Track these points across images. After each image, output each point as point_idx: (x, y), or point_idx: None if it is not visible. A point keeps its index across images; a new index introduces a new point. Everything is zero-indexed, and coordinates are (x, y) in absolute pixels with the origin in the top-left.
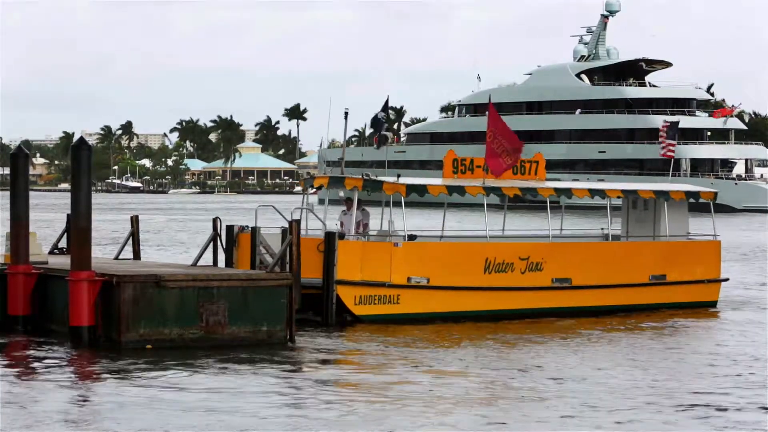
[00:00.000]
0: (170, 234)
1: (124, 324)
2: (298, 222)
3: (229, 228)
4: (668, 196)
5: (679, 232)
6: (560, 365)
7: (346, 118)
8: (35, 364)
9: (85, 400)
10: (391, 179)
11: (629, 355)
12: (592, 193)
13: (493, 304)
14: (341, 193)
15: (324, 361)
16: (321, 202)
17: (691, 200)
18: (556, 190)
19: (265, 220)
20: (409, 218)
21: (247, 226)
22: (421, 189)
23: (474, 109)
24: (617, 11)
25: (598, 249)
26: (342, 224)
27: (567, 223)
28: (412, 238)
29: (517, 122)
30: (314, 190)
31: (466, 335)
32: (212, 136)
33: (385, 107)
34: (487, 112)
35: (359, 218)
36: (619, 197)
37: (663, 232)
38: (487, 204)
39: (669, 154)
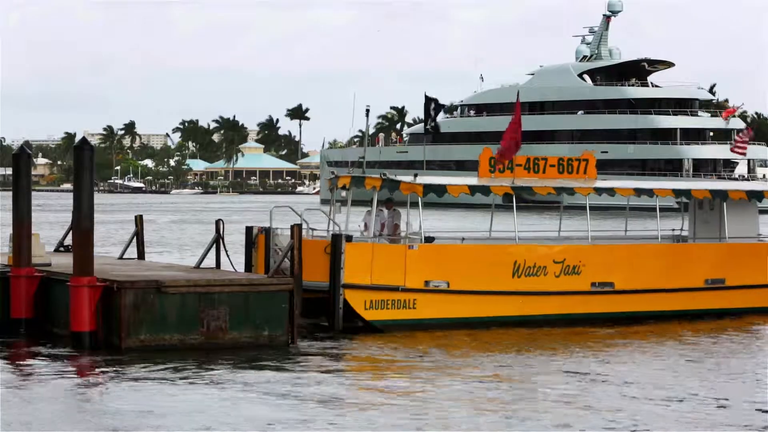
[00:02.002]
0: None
1: (125, 329)
2: (300, 226)
3: (248, 229)
4: (726, 195)
5: (747, 233)
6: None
7: (367, 115)
8: (36, 368)
9: (85, 404)
10: (408, 178)
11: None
12: (638, 192)
13: (522, 310)
14: (343, 193)
15: (326, 365)
16: (324, 202)
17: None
18: (597, 189)
19: (274, 222)
20: (443, 221)
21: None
22: (440, 189)
23: (476, 109)
24: (619, 11)
25: (644, 251)
26: (365, 225)
27: (609, 225)
28: (429, 240)
29: None
30: (316, 189)
31: (478, 340)
32: (215, 137)
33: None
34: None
35: (384, 219)
36: (668, 197)
37: (726, 233)
38: (509, 205)
39: (741, 151)
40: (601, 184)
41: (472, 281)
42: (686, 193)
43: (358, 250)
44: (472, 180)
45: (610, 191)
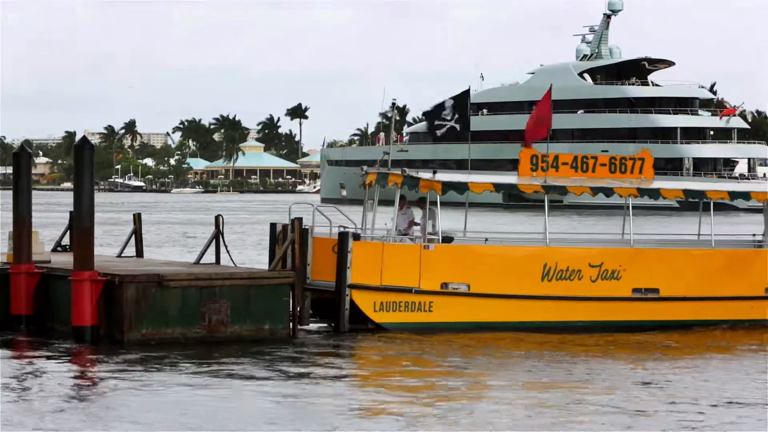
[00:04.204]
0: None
1: (126, 323)
2: (300, 219)
3: (272, 226)
4: None
5: None
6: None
7: (393, 107)
8: (38, 364)
9: (87, 400)
10: (427, 175)
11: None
12: (687, 194)
13: (552, 315)
14: (343, 192)
15: (326, 360)
16: (324, 201)
17: None
18: (640, 190)
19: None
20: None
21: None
22: (461, 186)
23: (477, 108)
24: (620, 10)
25: (692, 256)
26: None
27: (648, 227)
28: (447, 240)
29: (519, 121)
30: (316, 188)
31: (487, 337)
32: (215, 136)
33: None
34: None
35: (412, 216)
36: (723, 199)
37: None
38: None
39: None
40: (645, 184)
41: (496, 284)
42: (745, 195)
43: (366, 249)
44: (498, 177)
45: (655, 192)
